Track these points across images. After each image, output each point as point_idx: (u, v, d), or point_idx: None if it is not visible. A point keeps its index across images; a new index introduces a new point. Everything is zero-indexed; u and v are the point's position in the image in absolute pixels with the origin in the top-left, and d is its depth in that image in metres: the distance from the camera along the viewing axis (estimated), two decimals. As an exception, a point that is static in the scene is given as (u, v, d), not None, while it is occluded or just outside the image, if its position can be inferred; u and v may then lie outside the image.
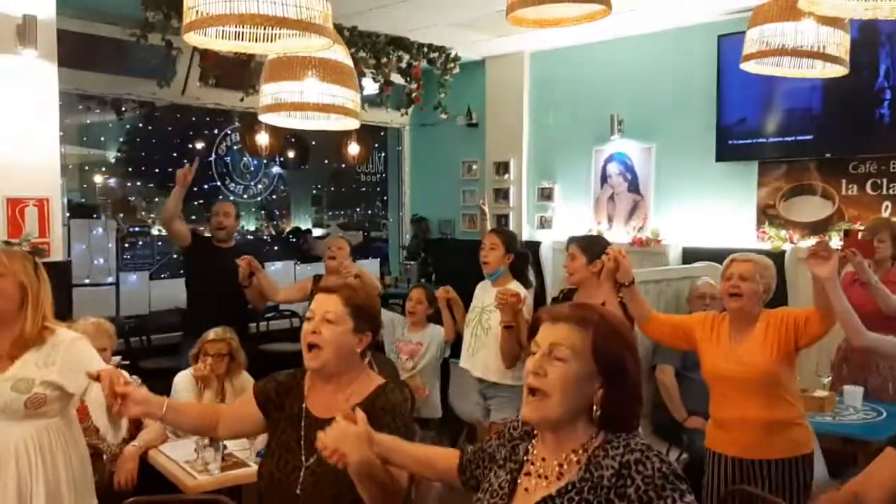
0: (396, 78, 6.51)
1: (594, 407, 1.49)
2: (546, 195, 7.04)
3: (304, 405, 2.08)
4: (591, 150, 6.67)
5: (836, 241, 5.24)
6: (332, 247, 4.75)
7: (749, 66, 2.92)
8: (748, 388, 2.87)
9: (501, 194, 7.27)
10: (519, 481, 1.55)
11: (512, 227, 6.96)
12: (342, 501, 1.91)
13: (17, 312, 2.46)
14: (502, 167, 7.24)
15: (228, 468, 3.16)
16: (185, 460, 3.21)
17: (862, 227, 4.90)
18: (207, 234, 5.07)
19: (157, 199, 8.80)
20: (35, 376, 2.42)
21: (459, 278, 6.13)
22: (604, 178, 6.60)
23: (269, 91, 2.69)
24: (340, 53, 2.70)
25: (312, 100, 2.62)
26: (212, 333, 3.83)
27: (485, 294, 4.02)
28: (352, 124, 2.82)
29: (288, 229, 9.73)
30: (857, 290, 4.00)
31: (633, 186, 6.41)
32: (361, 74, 5.80)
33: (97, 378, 2.04)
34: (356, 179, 8.78)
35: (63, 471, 2.47)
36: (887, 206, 5.23)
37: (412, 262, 7.69)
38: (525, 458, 1.58)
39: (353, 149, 7.12)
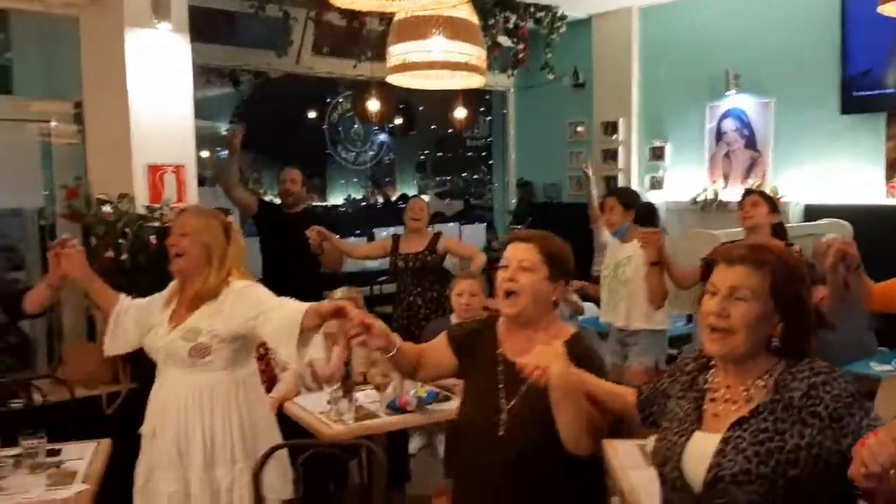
0: (503, 39, 6.48)
1: (773, 339, 1.57)
2: (657, 155, 6.89)
3: (499, 350, 2.13)
4: (704, 107, 6.48)
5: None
6: (414, 208, 4.97)
7: (887, 9, 2.77)
8: None
9: (609, 155, 7.16)
10: (704, 408, 1.64)
11: (621, 188, 6.86)
12: (544, 444, 1.94)
13: (202, 270, 2.59)
14: (610, 127, 7.12)
15: (360, 419, 3.29)
16: (320, 411, 3.37)
17: None
18: (277, 202, 5.26)
19: (271, 169, 9.11)
20: (203, 326, 2.55)
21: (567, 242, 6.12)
22: (718, 136, 6.41)
23: (397, 52, 2.74)
24: (466, 11, 2.72)
25: (440, 58, 2.65)
26: (339, 293, 4.00)
27: (616, 250, 4.27)
28: (477, 81, 2.85)
29: (394, 196, 9.90)
30: None
31: (751, 143, 6.19)
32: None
33: (341, 311, 2.15)
34: (461, 144, 8.82)
35: (220, 428, 2.57)
36: None
37: (519, 227, 7.70)
38: (706, 386, 1.66)
39: (460, 113, 7.15)
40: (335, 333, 3.83)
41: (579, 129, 7.48)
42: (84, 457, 2.84)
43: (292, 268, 4.80)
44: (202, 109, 8.69)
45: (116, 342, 2.77)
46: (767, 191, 5.97)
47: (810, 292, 1.62)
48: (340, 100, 7.60)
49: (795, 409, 1.50)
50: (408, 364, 2.23)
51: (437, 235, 4.97)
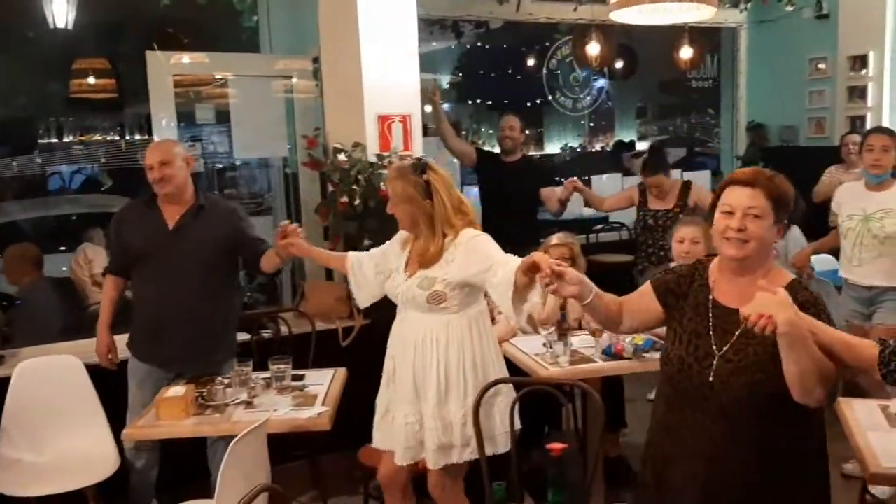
0: (736, -28, 6.04)
1: None
2: (915, 91, 6.13)
3: (710, 296, 2.07)
4: (977, 34, 5.64)
5: None
6: (652, 189, 4.75)
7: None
8: None
9: (857, 93, 6.48)
10: None
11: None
12: (758, 391, 1.91)
13: (417, 229, 2.76)
14: (859, 62, 6.43)
15: (576, 363, 3.31)
16: (535, 353, 3.43)
17: None
18: (496, 151, 5.31)
19: (491, 120, 9.27)
20: (437, 275, 2.71)
21: (804, 190, 5.64)
22: None
23: (621, -13, 2.65)
24: (695, -61, 2.57)
25: (667, -10, 2.54)
26: (555, 238, 4.01)
27: (860, 199, 3.78)
28: (708, 13, 2.69)
29: (611, 143, 9.71)
30: None
31: None
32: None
33: (535, 264, 2.17)
34: (685, 87, 8.37)
35: (455, 364, 2.72)
36: None
37: (748, 173, 7.20)
38: None
39: (685, 53, 6.76)
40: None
41: (821, 65, 6.82)
42: (323, 382, 3.14)
43: (511, 215, 4.89)
44: (425, 63, 8.98)
45: (363, 293, 3.03)
46: None
47: None
48: (559, 45, 7.50)
49: None
50: (606, 314, 2.21)
51: (687, 186, 4.73)
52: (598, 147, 9.90)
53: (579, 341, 3.50)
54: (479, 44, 8.11)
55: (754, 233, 1.94)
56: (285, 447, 3.14)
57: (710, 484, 1.97)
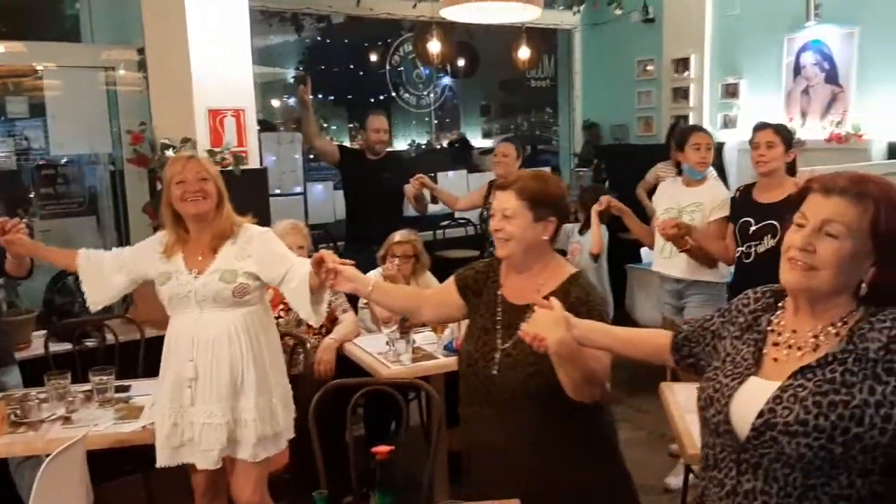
0: (568, -25, 6.26)
1: (862, 284, 1.40)
2: (730, 92, 6.59)
3: (499, 292, 2.19)
4: (782, 40, 6.13)
5: None
6: (497, 154, 4.75)
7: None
8: None
9: (680, 93, 6.89)
10: (765, 352, 1.50)
11: (691, 128, 6.59)
12: (534, 384, 2.00)
13: (217, 211, 2.68)
14: (681, 64, 6.84)
15: (418, 360, 3.32)
16: (378, 352, 3.41)
17: None
18: (357, 147, 5.27)
19: (339, 116, 9.15)
20: (237, 268, 2.64)
21: (634, 184, 5.97)
22: (797, 70, 6.07)
23: (451, -16, 2.65)
24: (520, -61, 2.62)
25: (494, -11, 2.57)
26: (398, 235, 4.00)
27: (678, 193, 3.96)
28: (533, 13, 2.75)
29: (455, 139, 9.87)
30: None
31: (832, 77, 5.85)
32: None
33: (320, 259, 2.27)
34: (525, 87, 8.61)
35: (266, 351, 2.71)
36: None
37: (585, 170, 7.52)
38: (769, 328, 1.52)
39: (523, 53, 6.94)
40: (395, 276, 3.88)
41: (649, 67, 7.21)
42: (152, 393, 2.95)
43: (376, 212, 4.86)
44: (268, 56, 8.72)
45: (101, 294, 2.78)
46: (849, 128, 5.67)
47: None
48: (402, 42, 7.50)
49: (870, 362, 1.34)
50: (400, 303, 2.46)
51: None
52: (444, 144, 10.03)
53: (422, 338, 3.51)
54: (321, 38, 7.97)
55: (511, 232, 2.10)
56: (117, 462, 2.95)
57: (505, 475, 2.04)
